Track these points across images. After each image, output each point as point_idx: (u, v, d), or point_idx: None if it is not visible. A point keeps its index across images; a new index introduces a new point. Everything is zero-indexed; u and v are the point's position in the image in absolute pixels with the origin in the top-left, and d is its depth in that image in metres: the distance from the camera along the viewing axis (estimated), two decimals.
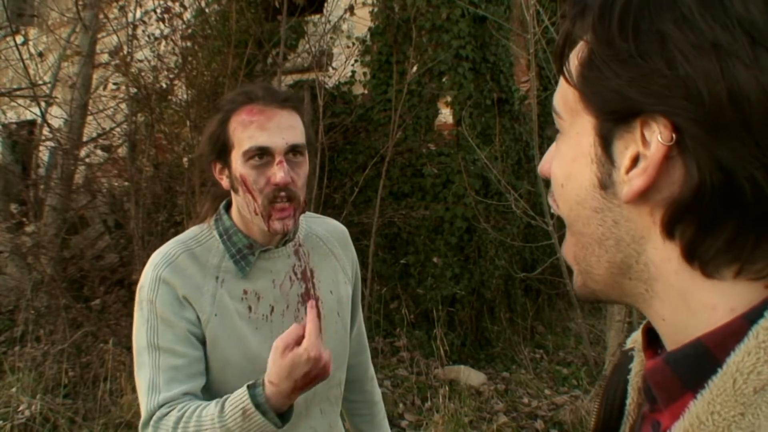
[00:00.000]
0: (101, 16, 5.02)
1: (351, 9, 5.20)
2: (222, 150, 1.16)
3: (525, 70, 5.88)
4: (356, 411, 1.48)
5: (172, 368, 1.11)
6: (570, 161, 0.49)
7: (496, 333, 5.08)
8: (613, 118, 0.45)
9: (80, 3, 4.98)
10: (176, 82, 4.89)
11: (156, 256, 1.19)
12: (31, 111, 5.37)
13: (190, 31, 5.07)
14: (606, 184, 0.46)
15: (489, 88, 5.39)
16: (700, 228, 0.43)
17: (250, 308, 1.19)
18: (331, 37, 5.45)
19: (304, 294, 1.25)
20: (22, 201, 5.45)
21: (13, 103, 5.78)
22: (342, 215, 4.74)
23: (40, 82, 5.63)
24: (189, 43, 5.01)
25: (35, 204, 5.12)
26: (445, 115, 5.21)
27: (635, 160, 0.44)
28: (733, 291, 0.43)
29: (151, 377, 1.11)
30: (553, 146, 0.53)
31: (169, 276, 1.14)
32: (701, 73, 0.40)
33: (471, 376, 4.33)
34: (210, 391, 1.20)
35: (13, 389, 3.50)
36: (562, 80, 0.50)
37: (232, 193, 1.19)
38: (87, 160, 5.12)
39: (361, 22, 5.38)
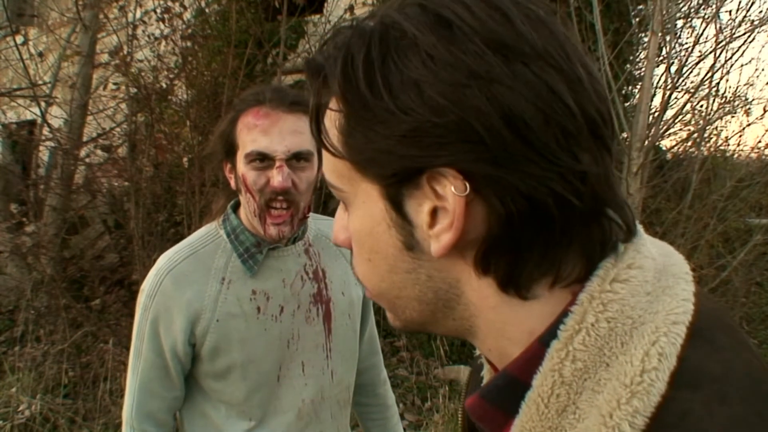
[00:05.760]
0: (101, 16, 5.02)
1: (351, 9, 5.20)
2: (229, 150, 1.15)
3: None
4: (369, 415, 1.46)
5: (148, 379, 1.16)
6: (368, 234, 0.46)
7: None
8: (396, 180, 0.42)
9: (80, 3, 4.97)
10: (176, 82, 4.89)
11: (161, 260, 1.18)
12: (31, 111, 5.36)
13: (190, 31, 5.07)
14: (411, 244, 0.44)
15: None
16: (514, 254, 0.42)
17: (258, 309, 1.17)
18: None
19: (316, 294, 1.23)
20: (22, 201, 5.45)
21: (13, 103, 5.77)
22: None
23: (40, 82, 5.62)
24: (189, 43, 5.01)
25: (35, 204, 5.11)
26: None
27: (434, 214, 0.42)
28: (547, 309, 0.43)
29: (131, 382, 1.18)
30: (341, 211, 0.50)
31: (169, 285, 1.13)
32: (471, 111, 0.38)
33: None
34: (209, 396, 1.20)
35: (13, 389, 3.50)
36: (325, 153, 0.46)
37: (238, 193, 1.19)
38: (87, 160, 5.11)
39: None
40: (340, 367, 1.26)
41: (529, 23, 0.40)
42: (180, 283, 1.13)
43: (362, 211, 0.46)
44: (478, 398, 0.45)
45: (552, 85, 0.39)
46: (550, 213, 0.40)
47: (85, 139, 5.26)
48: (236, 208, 1.23)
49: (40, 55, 6.18)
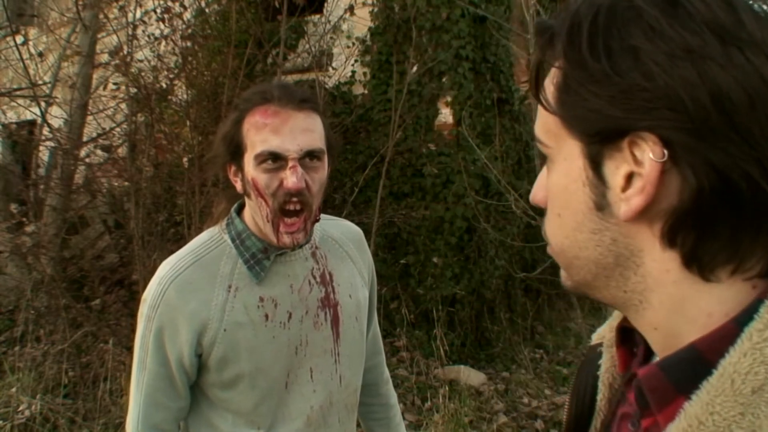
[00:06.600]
0: (101, 16, 5.02)
1: (351, 9, 5.20)
2: (235, 152, 1.10)
3: (525, 70, 5.88)
4: (372, 414, 1.45)
5: (153, 390, 1.13)
6: (563, 189, 0.49)
7: (496, 333, 5.08)
8: (599, 139, 0.45)
9: (80, 3, 4.97)
10: (176, 82, 4.89)
11: (163, 268, 1.13)
12: (31, 111, 5.36)
13: (190, 31, 5.07)
14: (601, 205, 0.46)
15: (489, 88, 5.38)
16: (701, 232, 0.43)
17: (266, 316, 1.13)
18: (331, 37, 5.45)
19: (324, 299, 1.20)
20: (22, 201, 5.45)
21: (13, 103, 5.77)
22: (342, 215, 4.73)
23: (40, 82, 5.62)
24: (189, 43, 5.00)
25: (35, 204, 5.11)
26: (445, 115, 5.21)
27: (629, 179, 0.44)
28: (728, 294, 0.44)
29: (135, 394, 1.15)
30: (543, 173, 0.53)
31: (173, 294, 1.09)
32: (680, 81, 0.40)
33: (471, 376, 4.33)
34: (215, 406, 1.17)
35: (13, 389, 3.50)
36: (540, 109, 0.49)
37: (246, 197, 1.14)
38: (87, 160, 5.11)
39: (361, 22, 5.38)
40: (348, 371, 1.24)
41: (753, 15, 0.42)
42: (184, 293, 1.09)
43: (562, 167, 0.48)
44: (657, 369, 0.46)
45: (764, 73, 0.41)
46: (743, 196, 0.41)
47: (85, 139, 5.26)
48: (240, 211, 1.18)
49: (40, 55, 6.17)
